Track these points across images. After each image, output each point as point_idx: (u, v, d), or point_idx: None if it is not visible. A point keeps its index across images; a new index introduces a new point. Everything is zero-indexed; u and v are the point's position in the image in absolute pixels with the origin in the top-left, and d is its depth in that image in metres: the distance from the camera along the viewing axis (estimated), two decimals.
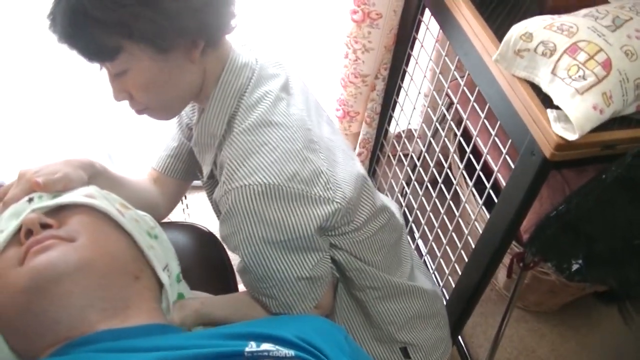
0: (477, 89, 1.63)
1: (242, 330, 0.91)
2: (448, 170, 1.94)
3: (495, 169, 1.68)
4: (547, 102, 1.34)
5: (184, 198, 2.45)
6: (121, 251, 0.98)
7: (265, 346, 0.85)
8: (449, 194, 1.95)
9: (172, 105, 1.19)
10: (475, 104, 1.73)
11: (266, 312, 1.23)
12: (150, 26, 1.00)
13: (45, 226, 0.97)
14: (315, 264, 1.16)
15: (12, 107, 2.13)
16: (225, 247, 1.33)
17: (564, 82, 1.29)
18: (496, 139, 1.65)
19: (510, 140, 1.51)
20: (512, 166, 1.49)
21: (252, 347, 0.85)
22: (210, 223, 2.39)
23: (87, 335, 0.89)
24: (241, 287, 1.37)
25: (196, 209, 2.44)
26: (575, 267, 1.63)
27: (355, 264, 1.27)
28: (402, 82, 2.13)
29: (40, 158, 2.26)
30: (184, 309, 1.10)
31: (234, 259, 2.13)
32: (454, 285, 1.89)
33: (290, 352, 0.85)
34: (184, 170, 1.43)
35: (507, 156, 1.61)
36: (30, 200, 1.03)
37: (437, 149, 2.00)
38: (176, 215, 2.39)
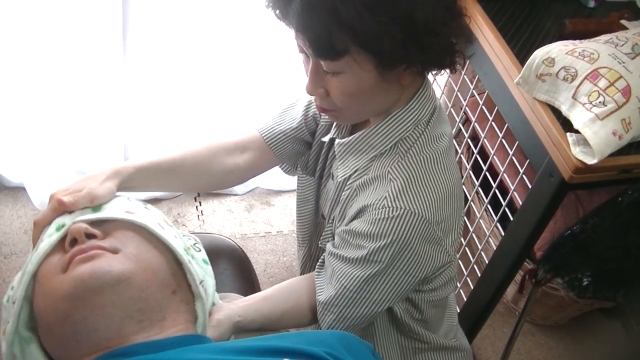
0: (495, 108, 1.67)
1: (275, 346, 0.93)
2: (464, 186, 1.97)
3: (512, 187, 1.71)
4: (566, 125, 1.37)
5: (198, 204, 2.50)
6: (161, 265, 1.00)
7: None
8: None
9: (363, 115, 1.20)
10: (493, 123, 1.76)
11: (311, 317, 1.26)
12: (394, 47, 1.00)
13: (90, 236, 0.99)
14: (395, 299, 1.22)
15: (28, 100, 2.14)
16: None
17: (584, 108, 1.33)
18: (513, 158, 1.68)
19: (528, 161, 1.54)
20: (529, 186, 1.53)
21: None
22: (224, 230, 2.44)
23: (123, 347, 0.91)
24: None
25: (210, 216, 2.48)
26: (585, 283, 1.66)
27: (413, 317, 1.32)
28: None
29: (59, 150, 2.27)
30: (220, 327, 1.12)
31: (265, 267, 2.17)
32: (465, 299, 1.92)
33: None
34: (287, 152, 1.42)
35: (524, 176, 1.64)
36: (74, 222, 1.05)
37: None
38: (191, 222, 2.43)
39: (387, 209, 1.11)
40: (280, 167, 1.49)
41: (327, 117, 1.33)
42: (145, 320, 0.94)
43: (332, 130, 1.32)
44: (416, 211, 1.11)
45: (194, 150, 1.34)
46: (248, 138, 1.41)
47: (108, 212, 1.07)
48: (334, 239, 1.26)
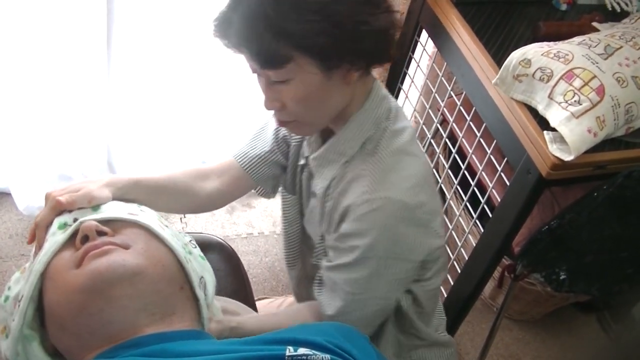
0: (473, 108, 1.71)
1: (278, 337, 0.97)
2: (442, 185, 2.01)
3: (490, 185, 1.76)
4: (542, 124, 1.42)
5: None
6: (169, 262, 1.04)
7: (303, 350, 0.91)
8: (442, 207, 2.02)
9: (319, 121, 1.24)
10: (470, 123, 1.81)
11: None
12: (329, 44, 1.06)
13: (100, 233, 1.02)
14: (400, 288, 1.26)
15: (11, 106, 2.12)
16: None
17: (560, 106, 1.38)
18: (491, 156, 1.73)
19: (505, 159, 1.58)
20: (507, 183, 1.58)
21: (290, 351, 0.91)
22: (206, 232, 2.45)
23: (135, 338, 0.94)
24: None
25: (192, 219, 2.50)
26: (562, 277, 1.71)
27: (415, 310, 1.37)
28: (397, 100, 2.21)
29: (43, 154, 2.27)
30: (221, 323, 1.16)
31: (248, 268, 2.18)
32: (446, 295, 1.96)
33: (327, 356, 0.91)
34: (263, 175, 1.46)
35: (501, 174, 1.69)
36: (75, 219, 1.08)
37: (432, 165, 2.08)
38: (174, 225, 2.44)
39: (368, 202, 1.16)
40: (255, 190, 1.52)
41: (292, 133, 1.39)
42: (157, 313, 0.97)
43: (305, 150, 1.36)
44: (396, 198, 1.15)
45: (176, 172, 1.39)
46: (224, 164, 1.46)
47: (112, 212, 1.10)
48: (327, 255, 1.30)
